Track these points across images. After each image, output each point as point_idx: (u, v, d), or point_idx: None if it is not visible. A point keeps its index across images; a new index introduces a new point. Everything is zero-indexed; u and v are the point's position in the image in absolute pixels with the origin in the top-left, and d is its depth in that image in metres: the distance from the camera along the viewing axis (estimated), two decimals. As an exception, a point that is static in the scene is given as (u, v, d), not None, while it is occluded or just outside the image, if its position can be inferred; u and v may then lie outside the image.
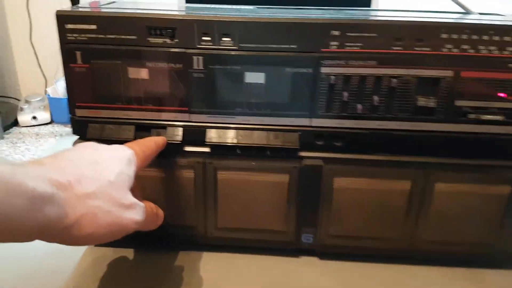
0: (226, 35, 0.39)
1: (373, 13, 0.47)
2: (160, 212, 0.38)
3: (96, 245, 0.49)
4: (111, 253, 0.48)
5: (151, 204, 0.37)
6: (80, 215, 0.28)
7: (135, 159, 0.35)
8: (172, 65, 0.41)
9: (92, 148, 0.34)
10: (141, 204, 0.33)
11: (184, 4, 0.48)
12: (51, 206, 0.26)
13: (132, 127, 0.43)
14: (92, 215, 0.29)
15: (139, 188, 0.38)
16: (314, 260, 0.48)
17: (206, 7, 0.47)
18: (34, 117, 0.85)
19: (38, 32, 0.94)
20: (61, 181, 0.28)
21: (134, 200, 0.32)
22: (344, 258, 0.48)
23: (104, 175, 0.31)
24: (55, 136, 0.81)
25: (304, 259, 0.48)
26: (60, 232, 0.28)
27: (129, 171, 0.33)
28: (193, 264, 0.46)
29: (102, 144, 0.35)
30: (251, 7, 0.49)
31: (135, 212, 0.32)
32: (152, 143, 0.40)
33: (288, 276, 0.45)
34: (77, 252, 0.47)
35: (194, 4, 0.48)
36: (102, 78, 0.41)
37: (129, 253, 0.48)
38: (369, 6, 0.56)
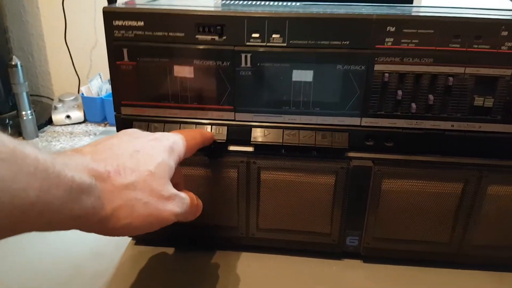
0: (276, 32, 0.38)
1: (423, 9, 0.45)
2: (200, 203, 0.37)
3: (135, 242, 0.49)
4: (150, 253, 0.47)
5: (192, 195, 0.35)
6: (117, 206, 0.27)
7: (178, 148, 0.34)
8: (220, 63, 0.40)
9: (133, 136, 0.33)
10: (182, 195, 0.32)
11: (219, 1, 0.47)
12: (88, 197, 0.25)
13: (177, 126, 0.42)
14: (129, 207, 0.28)
15: (182, 177, 0.37)
16: (358, 263, 0.47)
17: (241, 4, 0.46)
18: (68, 116, 0.86)
19: (73, 31, 0.95)
20: (100, 171, 0.27)
21: (174, 191, 0.31)
22: (389, 261, 0.46)
23: (144, 165, 0.29)
24: (89, 135, 0.82)
25: (348, 262, 0.47)
26: (96, 223, 0.27)
27: (171, 161, 0.32)
28: (234, 264, 0.46)
29: (144, 132, 0.34)
30: (296, 3, 0.48)
31: (174, 204, 0.31)
32: (199, 134, 0.39)
33: (330, 279, 0.44)
34: (116, 255, 0.47)
35: (229, 1, 0.47)
36: (148, 76, 0.41)
37: (169, 252, 0.47)
38: (411, 2, 0.54)
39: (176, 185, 0.32)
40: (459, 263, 0.45)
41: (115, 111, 0.43)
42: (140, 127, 0.42)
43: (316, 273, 0.45)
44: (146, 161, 0.30)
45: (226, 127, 0.42)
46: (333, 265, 0.46)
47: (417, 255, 0.45)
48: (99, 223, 0.27)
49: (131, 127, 0.42)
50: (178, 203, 0.31)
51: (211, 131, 0.42)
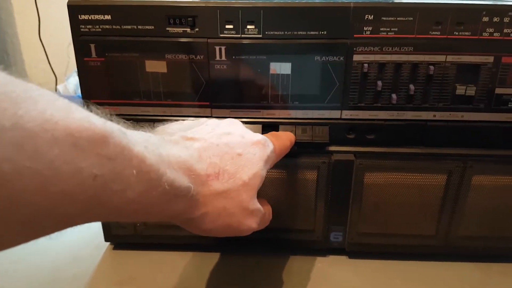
0: (250, 23, 0.37)
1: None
2: (270, 218, 0.34)
3: (114, 246, 0.47)
4: (128, 257, 0.46)
5: (269, 209, 0.34)
6: (205, 212, 0.27)
7: (272, 158, 0.32)
8: (193, 56, 0.38)
9: (240, 135, 0.30)
10: (262, 211, 0.31)
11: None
12: (183, 200, 0.25)
13: (151, 124, 0.40)
14: (215, 215, 0.28)
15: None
16: (343, 259, 0.46)
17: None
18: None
19: (47, 27, 0.92)
20: (201, 174, 0.26)
21: (258, 205, 0.30)
22: (374, 256, 0.45)
23: (241, 173, 0.28)
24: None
25: (333, 258, 0.46)
26: (182, 220, 0.27)
27: (264, 172, 0.30)
28: (211, 264, 0.44)
29: (249, 131, 0.31)
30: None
31: (254, 219, 0.30)
32: (288, 142, 0.36)
33: (315, 276, 0.43)
34: (95, 258, 0.46)
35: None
36: (118, 72, 0.39)
37: (148, 256, 0.46)
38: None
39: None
40: (445, 255, 0.45)
41: (84, 110, 0.41)
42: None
43: (301, 271, 0.44)
44: (244, 168, 0.29)
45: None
46: (317, 262, 0.45)
47: (403, 249, 0.45)
48: (184, 221, 0.27)
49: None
50: (258, 218, 0.30)
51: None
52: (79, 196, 0.18)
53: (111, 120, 0.21)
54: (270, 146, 0.31)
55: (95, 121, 0.19)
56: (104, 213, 0.21)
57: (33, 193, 0.16)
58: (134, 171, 0.21)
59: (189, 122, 0.32)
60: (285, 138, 0.36)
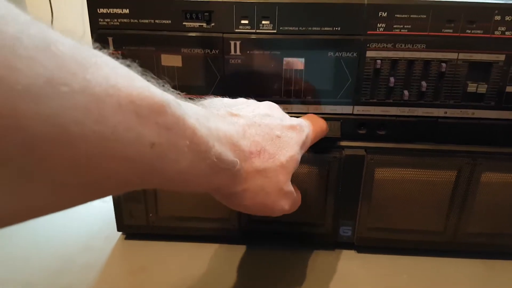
0: (266, 18, 0.37)
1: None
2: (300, 202, 0.35)
3: (125, 236, 0.48)
4: (140, 247, 0.47)
5: (299, 194, 0.34)
6: (246, 188, 0.28)
7: (307, 142, 0.33)
8: (208, 50, 0.39)
9: (279, 118, 0.31)
10: (295, 194, 0.32)
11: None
12: (227, 174, 0.26)
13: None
14: (253, 192, 0.28)
15: None
16: (351, 253, 0.46)
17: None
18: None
19: (60, 23, 0.93)
20: (245, 150, 0.27)
21: (291, 188, 0.31)
22: (382, 251, 0.46)
23: (280, 155, 0.29)
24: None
25: (341, 253, 0.46)
26: (222, 194, 0.28)
27: (299, 155, 0.31)
28: (223, 256, 0.45)
29: (286, 115, 0.33)
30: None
31: (286, 201, 0.31)
32: (323, 129, 0.38)
33: (324, 270, 0.44)
34: (106, 248, 0.46)
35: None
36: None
37: (158, 246, 0.47)
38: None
39: None
40: (453, 252, 0.45)
41: (101, 102, 0.42)
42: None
43: (309, 264, 0.44)
44: (282, 150, 0.30)
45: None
46: (326, 255, 0.46)
47: (411, 244, 0.45)
48: (226, 195, 0.28)
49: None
50: (291, 201, 0.31)
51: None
52: (138, 163, 0.19)
53: (167, 91, 0.21)
54: (305, 131, 0.32)
55: (154, 90, 0.19)
56: (158, 181, 0.22)
57: (97, 156, 0.17)
58: (187, 142, 0.21)
59: (229, 99, 0.33)
60: (321, 124, 0.38)
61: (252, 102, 0.33)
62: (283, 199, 0.30)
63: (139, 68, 0.21)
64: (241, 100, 0.33)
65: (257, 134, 0.28)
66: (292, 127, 0.31)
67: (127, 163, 0.18)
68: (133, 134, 0.18)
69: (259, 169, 0.28)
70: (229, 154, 0.25)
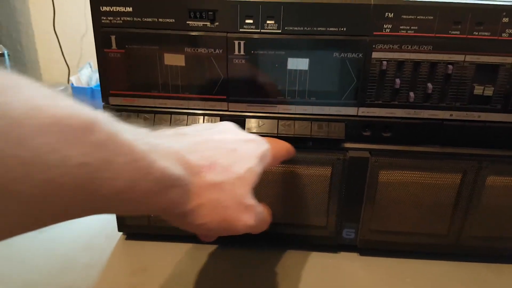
0: (270, 18, 0.37)
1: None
2: (270, 219, 0.34)
3: (126, 236, 0.48)
4: (141, 247, 0.46)
5: (268, 209, 0.33)
6: (200, 204, 0.26)
7: (268, 156, 0.32)
8: (212, 50, 0.38)
9: (234, 133, 0.31)
10: (260, 208, 0.30)
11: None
12: (176, 190, 0.24)
13: (168, 116, 0.41)
14: (210, 207, 0.27)
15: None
16: (354, 256, 0.46)
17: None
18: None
19: (62, 19, 0.92)
20: (194, 164, 0.26)
21: (254, 201, 0.29)
22: (386, 254, 0.46)
23: (236, 167, 0.28)
24: (79, 125, 0.80)
25: (344, 255, 0.46)
26: (176, 215, 0.26)
27: (259, 169, 0.30)
28: (227, 258, 0.45)
29: (241, 130, 0.33)
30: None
31: (250, 216, 0.29)
32: (285, 148, 0.37)
33: (326, 272, 0.43)
34: (108, 248, 0.46)
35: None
36: (137, 64, 0.39)
37: (160, 247, 0.46)
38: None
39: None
40: (457, 255, 0.45)
41: (102, 101, 0.41)
42: (129, 118, 0.41)
43: (312, 267, 0.44)
44: (238, 163, 0.28)
45: (219, 118, 0.41)
46: (329, 258, 0.45)
47: (414, 248, 0.45)
48: (180, 215, 0.26)
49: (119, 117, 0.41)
50: (255, 215, 0.29)
51: (203, 121, 0.41)
52: (68, 185, 0.18)
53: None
54: (265, 145, 0.32)
55: (80, 109, 0.19)
56: (96, 204, 0.20)
57: (19, 181, 0.16)
58: (123, 159, 0.20)
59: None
60: (282, 144, 0.37)
61: (206, 123, 0.32)
62: (245, 213, 0.28)
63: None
64: (196, 124, 0.33)
65: (208, 149, 0.27)
66: (248, 141, 0.31)
67: (55, 187, 0.18)
68: (59, 155, 0.17)
69: (213, 183, 0.27)
70: (175, 169, 0.24)
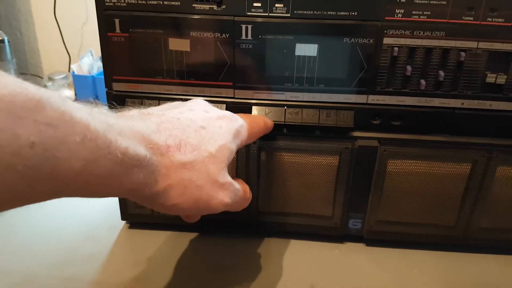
0: (279, 1, 0.36)
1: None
2: (250, 196, 0.34)
3: (129, 225, 0.47)
4: (144, 236, 0.46)
5: (245, 186, 0.33)
6: (170, 184, 0.25)
7: (243, 133, 0.31)
8: (218, 34, 0.37)
9: (204, 110, 0.30)
10: (236, 185, 0.30)
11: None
12: (141, 170, 0.23)
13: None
14: (181, 187, 0.26)
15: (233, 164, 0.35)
16: (360, 246, 0.45)
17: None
18: (58, 95, 0.83)
19: (63, 6, 0.91)
20: (160, 144, 0.25)
21: (229, 179, 0.29)
22: (392, 245, 0.45)
23: (207, 145, 0.27)
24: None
25: (350, 246, 0.45)
26: (146, 196, 0.25)
27: (233, 146, 0.29)
28: (231, 248, 0.44)
29: (213, 107, 0.31)
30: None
31: (226, 193, 0.28)
32: (262, 122, 0.36)
33: (332, 263, 0.43)
34: (111, 238, 0.45)
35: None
36: (142, 48, 0.38)
37: (163, 236, 0.46)
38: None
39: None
40: (464, 246, 0.44)
41: (106, 87, 0.40)
42: (133, 104, 0.40)
43: (317, 257, 0.43)
44: (209, 141, 0.28)
45: (225, 105, 0.40)
46: (335, 248, 0.45)
47: (421, 239, 0.44)
48: (149, 197, 0.26)
49: (123, 104, 0.40)
50: (231, 193, 0.29)
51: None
52: (19, 166, 0.17)
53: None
54: (239, 121, 0.31)
55: (28, 86, 0.18)
56: (55, 187, 0.20)
57: None
58: (77, 138, 0.19)
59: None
60: (259, 118, 0.36)
61: (175, 103, 0.31)
62: (220, 191, 0.28)
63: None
64: (164, 104, 0.31)
65: (175, 128, 0.26)
66: (220, 117, 0.30)
67: (6, 168, 0.17)
68: (7, 134, 0.17)
69: (182, 162, 0.26)
70: (138, 148, 0.23)
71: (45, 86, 0.84)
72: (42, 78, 0.96)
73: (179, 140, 0.26)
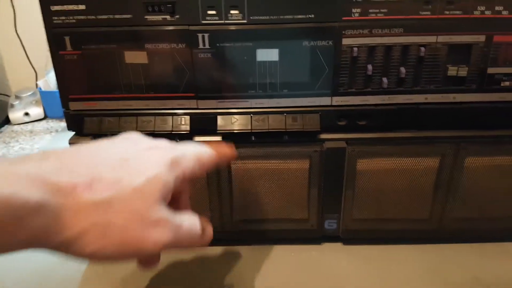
0: (234, 7, 0.35)
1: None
2: (210, 231, 0.30)
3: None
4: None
5: (196, 220, 0.28)
6: (83, 229, 0.22)
7: (185, 161, 0.27)
8: (174, 45, 0.36)
9: (131, 142, 0.27)
10: (175, 220, 0.25)
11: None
12: (39, 217, 0.21)
13: (134, 119, 0.39)
14: (99, 231, 0.23)
15: (187, 195, 0.31)
16: (337, 246, 0.45)
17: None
18: (27, 113, 0.80)
19: (23, 20, 0.88)
20: (61, 184, 0.22)
21: (164, 214, 0.25)
22: (369, 242, 0.45)
23: (130, 179, 0.24)
24: (51, 132, 0.77)
25: (327, 246, 0.45)
26: (55, 246, 0.23)
27: (169, 176, 0.26)
28: (208, 257, 0.43)
29: (149, 139, 0.28)
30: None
31: (162, 231, 0.24)
32: (221, 152, 0.31)
33: (311, 264, 0.43)
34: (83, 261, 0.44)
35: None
36: (96, 65, 0.37)
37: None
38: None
39: (177, 205, 0.28)
40: (440, 238, 0.45)
41: (63, 107, 0.39)
42: (92, 123, 0.38)
43: (295, 260, 0.43)
44: (133, 174, 0.24)
45: (188, 117, 0.39)
46: (312, 250, 0.45)
47: (397, 234, 0.44)
48: (60, 246, 0.23)
49: (82, 123, 0.38)
50: (169, 229, 0.25)
51: (171, 123, 0.39)
52: None
53: None
54: (178, 150, 0.27)
55: None
56: None
57: None
58: None
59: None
60: (224, 148, 0.32)
61: (100, 140, 0.27)
62: (153, 229, 0.24)
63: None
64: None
65: (85, 164, 0.24)
66: (152, 148, 0.27)
67: None
68: None
69: (95, 201, 0.23)
70: (30, 194, 0.20)
71: (12, 106, 0.81)
72: (9, 96, 0.93)
73: (90, 177, 0.23)
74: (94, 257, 0.23)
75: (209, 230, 0.30)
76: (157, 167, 0.25)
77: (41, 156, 0.24)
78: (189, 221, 0.27)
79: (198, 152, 0.29)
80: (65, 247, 0.23)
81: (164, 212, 0.25)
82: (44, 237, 0.22)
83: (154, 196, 0.24)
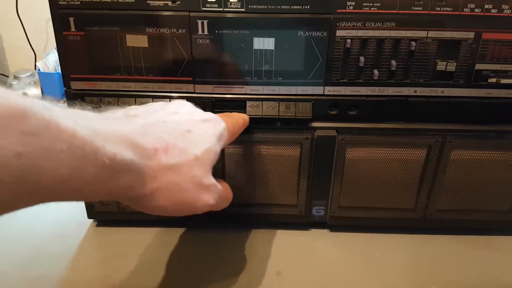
0: (233, -4, 0.36)
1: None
2: (231, 196, 0.35)
3: (97, 223, 0.47)
4: (112, 234, 0.46)
5: (227, 187, 0.34)
6: (157, 187, 0.26)
7: (225, 134, 0.32)
8: (174, 30, 0.37)
9: (189, 113, 0.31)
10: (219, 186, 0.30)
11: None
12: (128, 175, 0.24)
13: (132, 100, 0.40)
14: (167, 190, 0.27)
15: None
16: (325, 232, 0.47)
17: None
18: (24, 93, 0.81)
19: (25, 3, 0.88)
20: (147, 148, 0.25)
21: (213, 181, 0.29)
22: (355, 230, 0.47)
23: (192, 148, 0.28)
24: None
25: (315, 232, 0.47)
26: (132, 198, 0.26)
27: (217, 148, 0.30)
28: (200, 241, 0.45)
29: (198, 109, 0.32)
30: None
31: (210, 195, 0.29)
32: (241, 120, 0.37)
33: (298, 249, 0.44)
34: (78, 236, 0.46)
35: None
36: (98, 46, 0.38)
37: (131, 233, 0.46)
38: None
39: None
40: (425, 228, 0.46)
41: (64, 86, 0.40)
42: (92, 103, 0.40)
43: (283, 245, 0.45)
44: (195, 144, 0.28)
45: (185, 100, 0.40)
46: (300, 235, 0.46)
47: (383, 223, 0.46)
48: (135, 199, 0.26)
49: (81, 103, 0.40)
50: (215, 194, 0.30)
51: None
52: (6, 177, 0.17)
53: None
54: (221, 124, 0.32)
55: (11, 96, 0.18)
56: (42, 194, 0.20)
57: None
58: (64, 146, 0.19)
59: (137, 106, 0.32)
60: (238, 116, 0.38)
61: (159, 103, 0.32)
62: (205, 193, 0.29)
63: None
64: (149, 104, 0.32)
65: (162, 131, 0.27)
66: (205, 121, 0.31)
67: None
68: None
69: (169, 165, 0.26)
70: (126, 153, 0.23)
71: (10, 85, 0.82)
72: (7, 76, 0.93)
73: (166, 143, 0.27)
74: (159, 210, 0.27)
75: (231, 196, 0.35)
76: (211, 140, 0.29)
77: (130, 116, 0.27)
78: (224, 187, 0.32)
79: (232, 124, 0.34)
80: (139, 200, 0.26)
81: (212, 179, 0.29)
82: (126, 191, 0.25)
83: (208, 165, 0.29)
